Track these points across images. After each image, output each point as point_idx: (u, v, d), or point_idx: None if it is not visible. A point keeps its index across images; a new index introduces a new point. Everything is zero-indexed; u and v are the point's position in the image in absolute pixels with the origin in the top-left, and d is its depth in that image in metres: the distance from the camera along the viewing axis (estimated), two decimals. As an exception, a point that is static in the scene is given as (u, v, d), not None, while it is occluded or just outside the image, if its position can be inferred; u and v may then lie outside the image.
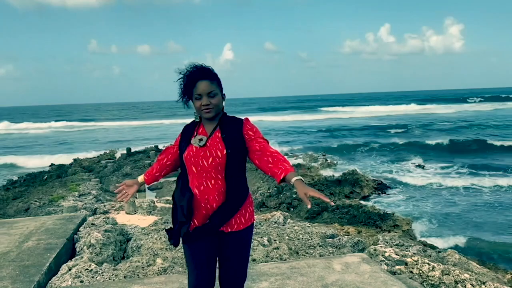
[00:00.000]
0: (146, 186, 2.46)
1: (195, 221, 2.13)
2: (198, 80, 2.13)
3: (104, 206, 10.88)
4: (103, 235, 3.98)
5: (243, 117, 2.27)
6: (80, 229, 4.48)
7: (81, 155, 21.07)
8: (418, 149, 20.43)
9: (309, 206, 1.83)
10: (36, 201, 11.27)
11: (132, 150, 20.30)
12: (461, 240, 8.95)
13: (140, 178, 2.47)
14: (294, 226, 4.68)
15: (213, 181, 2.11)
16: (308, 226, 4.82)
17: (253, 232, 4.58)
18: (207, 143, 2.14)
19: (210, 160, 2.10)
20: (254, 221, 2.31)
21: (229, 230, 2.15)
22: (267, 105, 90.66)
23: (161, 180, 2.43)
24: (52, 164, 18.26)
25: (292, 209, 10.66)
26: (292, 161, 17.73)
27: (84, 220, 4.87)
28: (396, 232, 9.12)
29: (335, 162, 17.15)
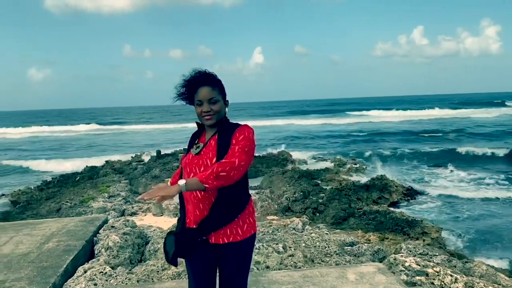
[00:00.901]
0: None
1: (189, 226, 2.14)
2: (199, 86, 2.11)
3: (132, 207, 11.13)
4: (121, 238, 4.04)
5: (242, 123, 2.23)
6: (100, 231, 4.58)
7: (113, 157, 21.57)
8: (452, 155, 19.62)
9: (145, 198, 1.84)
10: (67, 202, 11.60)
11: (162, 153, 20.62)
12: (493, 252, 8.55)
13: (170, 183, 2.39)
14: (311, 233, 4.59)
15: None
16: (326, 233, 4.72)
17: (269, 238, 4.55)
18: (202, 151, 2.12)
19: (202, 168, 2.06)
20: (255, 232, 2.24)
21: (225, 241, 2.09)
22: (297, 108, 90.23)
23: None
24: (86, 166, 18.77)
25: (318, 214, 10.52)
26: (320, 165, 17.52)
27: (105, 222, 4.97)
28: (424, 239, 8.85)
29: (364, 167, 16.83)
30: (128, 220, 4.86)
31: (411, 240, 8.85)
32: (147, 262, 3.94)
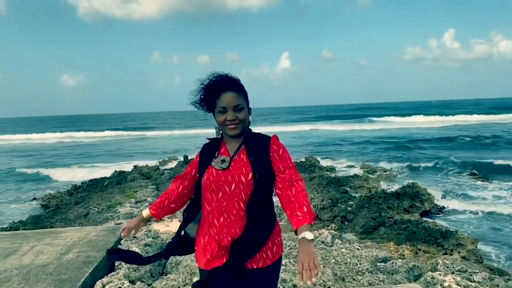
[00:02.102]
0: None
1: (214, 260, 1.85)
2: (222, 91, 1.87)
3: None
4: (142, 250, 3.91)
5: (271, 135, 2.01)
6: (121, 241, 4.46)
7: (141, 162, 21.79)
8: (490, 164, 18.69)
9: (308, 283, 1.53)
10: (95, 207, 11.69)
11: (189, 158, 20.68)
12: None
13: (145, 213, 2.14)
14: (341, 249, 4.31)
15: (235, 212, 1.82)
16: (358, 248, 4.43)
17: (297, 253, 4.29)
18: (230, 166, 1.87)
19: (233, 186, 1.82)
20: (283, 252, 2.03)
21: (254, 266, 1.85)
22: (324, 113, 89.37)
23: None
24: (114, 171, 19.00)
25: (346, 222, 10.18)
26: (348, 171, 17.12)
27: None
28: (459, 251, 8.40)
29: (394, 174, 16.32)
30: (150, 231, 4.73)
31: (445, 251, 8.44)
32: (168, 276, 3.78)
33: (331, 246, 4.66)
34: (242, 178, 1.82)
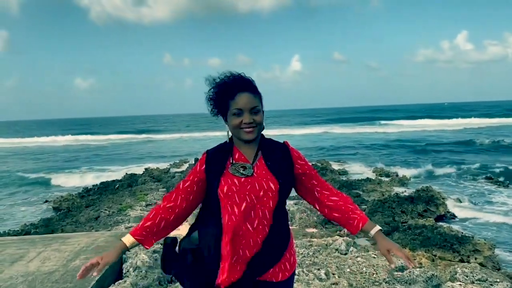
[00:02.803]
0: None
1: (230, 274, 1.68)
2: (238, 91, 1.69)
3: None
4: (150, 257, 3.78)
5: (282, 137, 1.88)
6: (129, 249, 4.31)
7: (152, 165, 21.81)
8: (506, 167, 18.20)
9: (392, 266, 1.68)
10: (105, 210, 11.66)
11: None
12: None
13: (128, 241, 1.76)
14: (357, 257, 4.14)
15: (257, 221, 1.66)
16: (374, 257, 4.25)
17: (310, 262, 4.14)
18: (255, 173, 1.70)
19: (262, 193, 1.66)
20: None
21: (273, 280, 1.72)
22: (336, 116, 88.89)
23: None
24: (125, 174, 19.03)
25: (359, 226, 10.00)
26: (361, 175, 16.89)
27: None
28: (476, 257, 8.17)
29: (408, 177, 16.05)
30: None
31: (461, 257, 8.23)
32: (177, 284, 3.67)
33: (345, 254, 4.49)
34: (271, 184, 1.67)
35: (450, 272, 4.52)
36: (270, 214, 1.67)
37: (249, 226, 1.66)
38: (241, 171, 1.70)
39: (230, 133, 1.80)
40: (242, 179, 1.68)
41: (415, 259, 5.35)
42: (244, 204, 1.65)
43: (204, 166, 1.76)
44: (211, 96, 1.78)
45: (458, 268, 4.89)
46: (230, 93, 1.70)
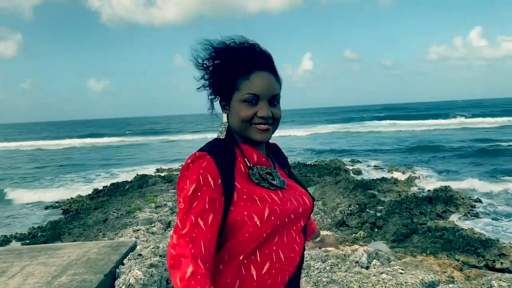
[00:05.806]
0: None
1: None
2: (256, 68, 1.18)
3: (178, 219, 10.73)
4: (145, 273, 3.40)
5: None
6: (124, 260, 3.91)
7: (164, 166, 21.63)
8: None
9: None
10: (114, 212, 11.41)
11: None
12: None
13: None
14: (381, 273, 3.59)
15: (298, 239, 1.22)
16: (401, 272, 3.71)
17: (327, 279, 3.64)
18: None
19: (301, 210, 1.22)
20: None
21: None
22: (348, 115, 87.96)
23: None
24: (136, 175, 18.83)
25: (376, 229, 9.56)
26: (376, 174, 16.43)
27: (133, 248, 4.30)
28: (502, 262, 7.72)
29: (425, 176, 15.53)
30: (158, 247, 4.21)
31: (486, 262, 7.78)
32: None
33: (367, 268, 3.93)
34: (305, 199, 1.25)
35: (483, 284, 4.05)
36: (302, 232, 1.25)
37: (293, 245, 1.22)
38: (270, 180, 1.17)
39: (225, 126, 1.27)
40: (280, 194, 1.17)
41: (445, 273, 4.70)
42: (286, 221, 1.17)
43: (220, 179, 1.12)
44: (208, 66, 1.23)
45: (494, 281, 4.39)
46: (245, 68, 1.17)
